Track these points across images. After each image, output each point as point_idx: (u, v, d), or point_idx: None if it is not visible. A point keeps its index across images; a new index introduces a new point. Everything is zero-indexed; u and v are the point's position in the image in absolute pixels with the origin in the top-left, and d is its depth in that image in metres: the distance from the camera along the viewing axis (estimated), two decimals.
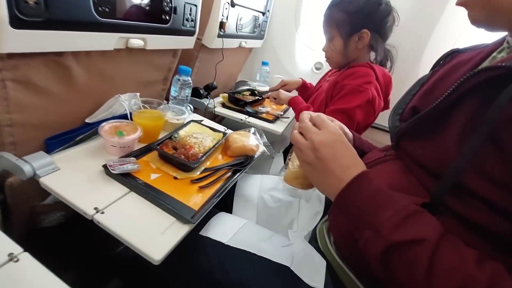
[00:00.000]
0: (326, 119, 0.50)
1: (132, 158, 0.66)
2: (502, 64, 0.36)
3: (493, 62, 0.43)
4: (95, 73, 0.70)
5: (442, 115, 0.44)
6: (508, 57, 0.42)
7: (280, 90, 1.18)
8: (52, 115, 0.65)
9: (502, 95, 0.35)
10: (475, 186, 0.37)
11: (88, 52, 0.64)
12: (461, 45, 0.61)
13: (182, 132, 0.80)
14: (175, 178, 0.65)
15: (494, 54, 0.48)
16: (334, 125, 0.50)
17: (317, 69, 1.70)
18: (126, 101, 0.82)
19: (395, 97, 1.00)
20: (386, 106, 1.05)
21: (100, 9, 0.57)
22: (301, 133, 0.50)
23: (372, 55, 1.03)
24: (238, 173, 0.74)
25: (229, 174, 0.73)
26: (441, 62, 0.61)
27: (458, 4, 0.47)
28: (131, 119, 0.77)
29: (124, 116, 0.80)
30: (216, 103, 1.25)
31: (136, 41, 0.70)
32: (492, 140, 0.36)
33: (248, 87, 1.49)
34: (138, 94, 0.84)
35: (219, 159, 0.79)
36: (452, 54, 0.59)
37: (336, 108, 0.94)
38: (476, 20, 0.45)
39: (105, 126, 0.68)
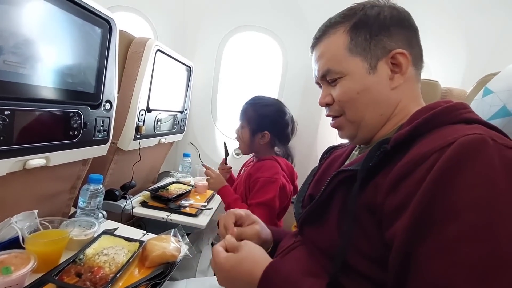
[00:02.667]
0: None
1: None
2: (349, 168, 0.49)
3: (345, 165, 0.57)
4: None
5: (325, 204, 0.53)
6: (353, 160, 0.57)
7: (218, 174, 1.20)
8: None
9: (353, 189, 0.46)
10: (357, 264, 0.45)
11: None
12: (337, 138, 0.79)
13: (90, 251, 0.72)
14: None
15: (353, 152, 0.65)
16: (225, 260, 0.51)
17: (237, 154, 1.85)
18: (20, 222, 0.72)
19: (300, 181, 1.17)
20: (296, 190, 1.19)
21: None
22: None
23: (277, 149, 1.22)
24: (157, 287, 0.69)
25: None
26: (324, 157, 0.77)
27: (332, 126, 0.61)
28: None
29: (15, 241, 0.68)
30: (135, 202, 1.19)
31: (36, 161, 0.67)
32: (356, 222, 0.45)
33: (172, 180, 1.50)
34: (36, 211, 0.75)
35: (135, 275, 0.72)
36: (330, 150, 0.76)
37: (257, 202, 1.04)
38: (346, 137, 0.59)
39: None
